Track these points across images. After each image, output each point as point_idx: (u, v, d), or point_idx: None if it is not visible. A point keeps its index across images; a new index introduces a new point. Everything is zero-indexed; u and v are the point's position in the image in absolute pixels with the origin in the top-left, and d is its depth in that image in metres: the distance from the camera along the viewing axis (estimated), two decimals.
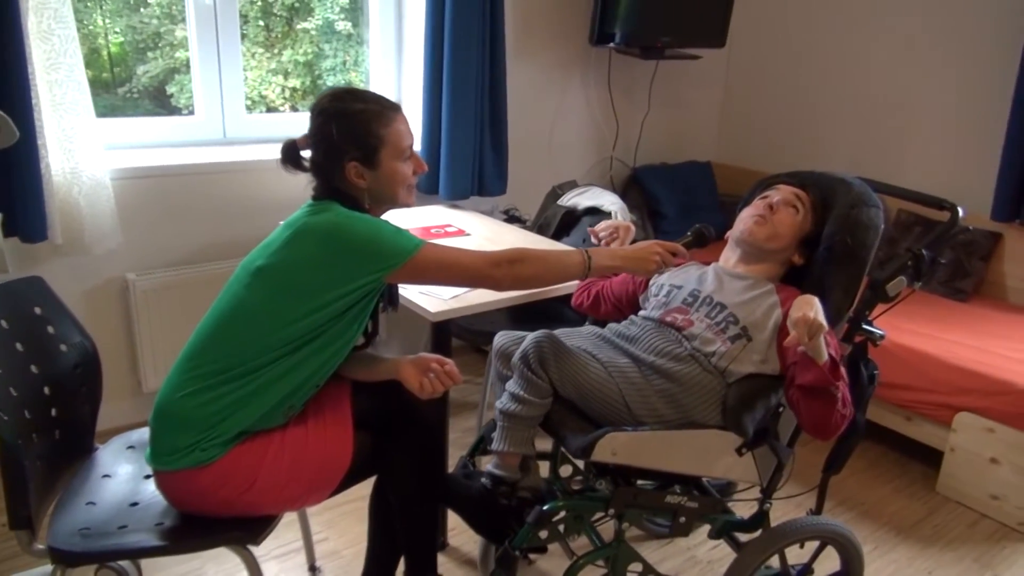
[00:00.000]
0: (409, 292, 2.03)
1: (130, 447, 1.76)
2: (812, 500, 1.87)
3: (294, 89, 3.15)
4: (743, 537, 1.84)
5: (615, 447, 1.58)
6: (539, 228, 2.91)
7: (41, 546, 1.42)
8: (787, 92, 3.88)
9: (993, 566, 2.25)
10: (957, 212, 1.65)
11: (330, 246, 1.43)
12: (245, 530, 1.50)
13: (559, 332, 1.79)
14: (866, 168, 3.59)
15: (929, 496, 2.59)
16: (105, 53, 2.72)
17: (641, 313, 1.85)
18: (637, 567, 1.73)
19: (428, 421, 1.60)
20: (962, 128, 3.27)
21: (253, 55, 3.00)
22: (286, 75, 3.10)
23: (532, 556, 1.91)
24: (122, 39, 2.71)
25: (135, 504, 1.57)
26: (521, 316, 2.67)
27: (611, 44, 3.34)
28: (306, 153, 1.57)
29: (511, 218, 3.32)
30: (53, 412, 1.59)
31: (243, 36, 2.83)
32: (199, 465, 1.43)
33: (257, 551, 2.15)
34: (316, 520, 2.26)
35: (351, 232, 1.43)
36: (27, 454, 1.41)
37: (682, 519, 1.70)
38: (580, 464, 1.72)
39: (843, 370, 1.53)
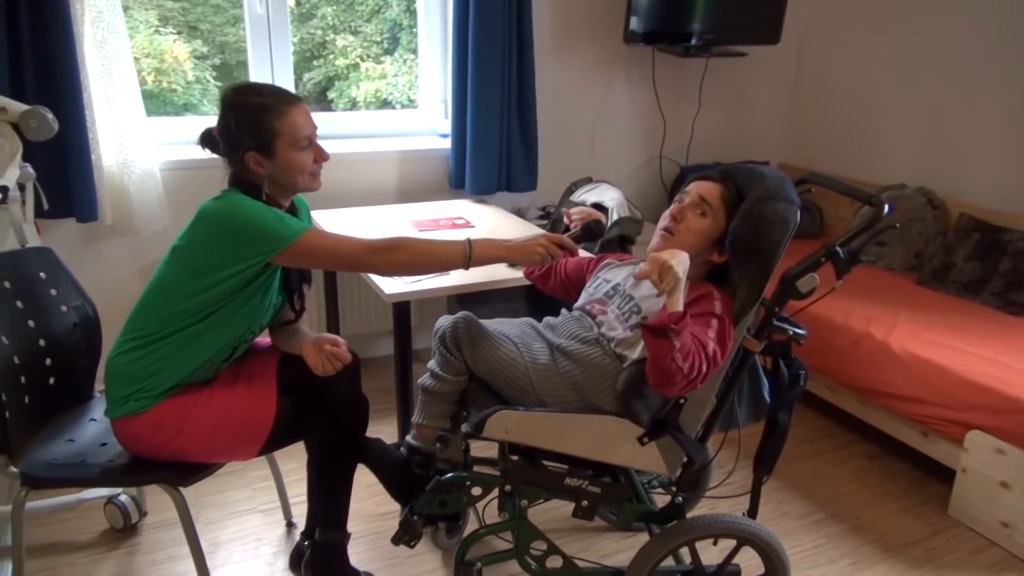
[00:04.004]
0: (373, 276, 2.18)
1: None
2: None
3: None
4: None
5: (507, 425, 1.66)
6: (553, 224, 2.98)
7: (15, 469, 1.71)
8: (858, 93, 3.68)
9: None
10: (883, 208, 1.58)
11: (218, 230, 1.59)
12: (176, 472, 1.71)
13: (497, 320, 1.88)
14: (931, 174, 3.36)
15: (938, 518, 2.42)
16: None
17: (575, 305, 1.90)
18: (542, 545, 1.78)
19: (339, 391, 1.74)
20: None
21: None
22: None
23: (440, 525, 2.01)
24: (293, 48, 3.04)
25: (104, 444, 1.82)
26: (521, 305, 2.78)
27: (642, 43, 3.34)
28: None
29: (546, 214, 3.40)
30: (48, 361, 1.88)
31: None
32: (133, 413, 1.66)
33: (246, 504, 2.41)
34: (301, 484, 2.47)
35: (236, 218, 1.58)
36: (10, 390, 1.69)
37: (584, 503, 1.75)
38: None
39: (703, 333, 1.53)
